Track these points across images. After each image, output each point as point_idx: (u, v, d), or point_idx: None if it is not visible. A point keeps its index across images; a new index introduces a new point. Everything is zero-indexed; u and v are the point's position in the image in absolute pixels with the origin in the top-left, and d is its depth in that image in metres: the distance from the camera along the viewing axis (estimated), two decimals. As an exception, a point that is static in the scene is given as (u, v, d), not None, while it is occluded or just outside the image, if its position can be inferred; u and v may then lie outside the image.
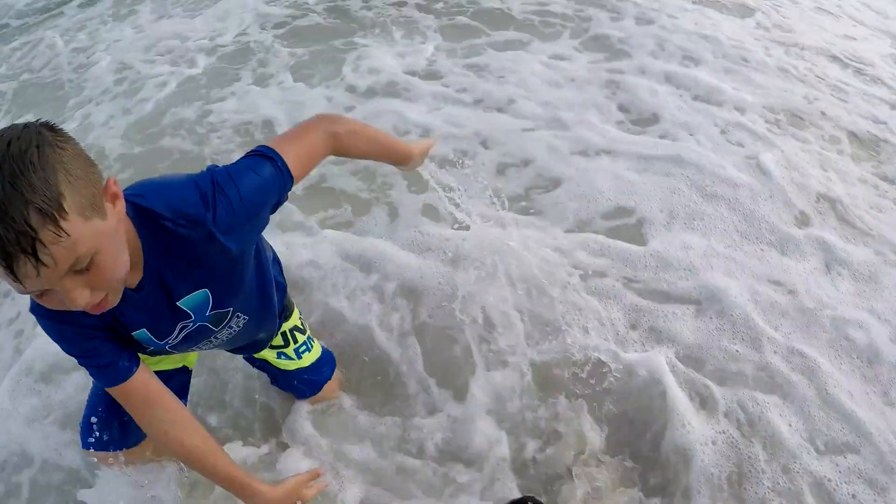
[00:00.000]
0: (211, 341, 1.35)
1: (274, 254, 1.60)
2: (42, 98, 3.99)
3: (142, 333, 1.19)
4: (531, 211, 2.47)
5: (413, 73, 3.38)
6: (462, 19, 3.86)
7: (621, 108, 3.00)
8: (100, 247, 0.88)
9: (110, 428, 1.45)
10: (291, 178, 1.19)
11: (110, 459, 1.51)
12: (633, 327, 2.03)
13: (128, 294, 1.05)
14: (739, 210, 2.42)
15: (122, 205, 0.96)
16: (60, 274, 0.85)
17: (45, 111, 3.79)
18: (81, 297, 0.89)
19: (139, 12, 4.69)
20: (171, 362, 1.56)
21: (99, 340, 1.14)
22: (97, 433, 1.45)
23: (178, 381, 1.55)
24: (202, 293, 1.18)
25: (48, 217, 0.80)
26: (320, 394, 1.82)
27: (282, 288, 1.60)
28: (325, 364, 1.81)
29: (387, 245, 2.31)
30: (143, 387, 1.20)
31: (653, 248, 2.28)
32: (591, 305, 2.07)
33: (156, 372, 1.28)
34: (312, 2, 4.22)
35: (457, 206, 2.18)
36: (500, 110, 3.05)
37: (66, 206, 0.82)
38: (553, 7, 3.91)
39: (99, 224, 0.88)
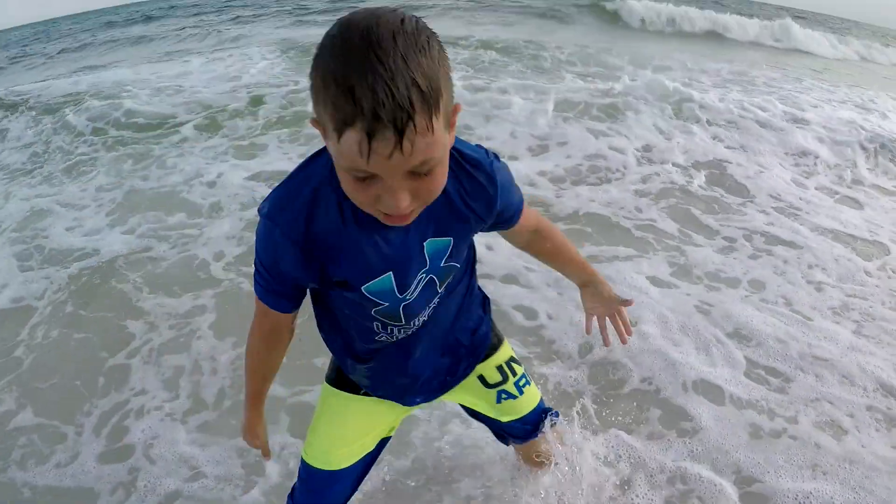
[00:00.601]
0: (428, 308, 1.24)
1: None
2: (148, 205, 4.11)
3: (385, 280, 1.10)
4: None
5: (521, 261, 3.35)
6: (572, 227, 3.90)
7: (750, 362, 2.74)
8: (443, 160, 0.87)
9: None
10: (519, 218, 1.26)
11: None
12: None
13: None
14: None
15: (454, 133, 0.95)
16: (406, 167, 0.81)
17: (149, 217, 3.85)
18: (405, 200, 0.86)
19: (262, 153, 4.99)
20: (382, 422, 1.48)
21: (289, 266, 1.07)
22: None
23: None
24: (446, 241, 1.12)
25: (427, 105, 0.78)
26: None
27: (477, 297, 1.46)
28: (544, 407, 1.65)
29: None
30: (280, 322, 1.23)
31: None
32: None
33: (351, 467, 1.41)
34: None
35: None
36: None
37: (440, 104, 0.80)
38: (661, 224, 3.93)
39: (448, 138, 0.87)
